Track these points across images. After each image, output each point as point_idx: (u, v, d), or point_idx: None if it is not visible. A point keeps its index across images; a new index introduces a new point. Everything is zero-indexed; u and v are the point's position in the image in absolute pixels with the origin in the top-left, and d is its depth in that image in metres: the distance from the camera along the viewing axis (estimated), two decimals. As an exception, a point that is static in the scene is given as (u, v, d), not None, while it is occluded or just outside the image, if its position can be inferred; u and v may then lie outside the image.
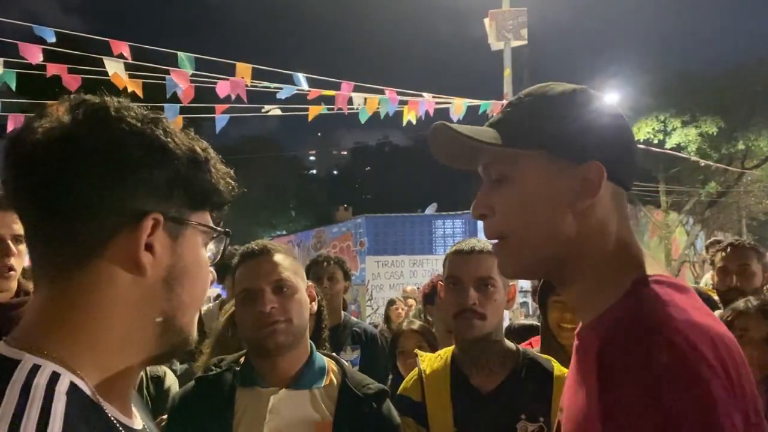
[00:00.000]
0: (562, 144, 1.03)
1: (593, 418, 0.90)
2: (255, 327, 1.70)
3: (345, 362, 1.91)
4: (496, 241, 1.10)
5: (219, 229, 0.95)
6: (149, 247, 0.83)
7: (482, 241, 1.94)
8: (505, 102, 11.09)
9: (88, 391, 0.77)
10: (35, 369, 0.74)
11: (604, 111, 1.07)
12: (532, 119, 1.05)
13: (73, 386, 0.75)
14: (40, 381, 0.72)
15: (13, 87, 6.25)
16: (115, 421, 0.80)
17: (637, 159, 1.13)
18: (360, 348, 3.80)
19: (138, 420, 0.91)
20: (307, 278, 3.89)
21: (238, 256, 1.83)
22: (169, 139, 0.84)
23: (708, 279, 5.08)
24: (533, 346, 3.05)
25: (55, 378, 0.74)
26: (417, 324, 3.29)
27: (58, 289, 0.81)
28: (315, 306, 1.85)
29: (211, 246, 0.96)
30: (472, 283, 1.83)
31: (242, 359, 1.81)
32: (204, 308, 4.52)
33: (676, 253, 21.67)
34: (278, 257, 1.76)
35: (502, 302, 1.87)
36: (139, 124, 0.83)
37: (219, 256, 0.99)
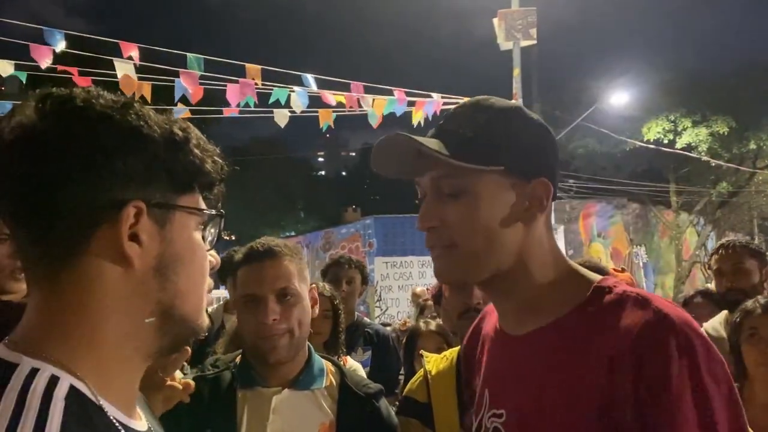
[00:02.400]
0: (518, 162, 1.10)
1: (601, 407, 0.97)
2: (256, 336, 1.67)
3: (341, 363, 1.89)
4: (439, 248, 1.14)
5: (210, 210, 0.91)
6: (135, 237, 0.79)
7: None
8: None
9: (89, 394, 0.76)
10: (33, 373, 0.72)
11: (545, 129, 1.17)
12: (492, 135, 1.10)
13: (72, 389, 0.73)
14: (38, 386, 0.70)
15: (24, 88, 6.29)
16: (117, 423, 0.78)
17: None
18: (371, 349, 3.79)
19: (143, 422, 0.89)
20: (325, 278, 3.90)
21: (242, 255, 1.77)
22: (142, 123, 0.81)
23: None
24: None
25: (53, 382, 0.72)
26: (434, 324, 3.26)
27: (49, 290, 0.79)
28: (317, 309, 1.81)
29: (211, 230, 0.93)
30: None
31: (238, 359, 1.79)
32: (210, 309, 4.53)
33: (686, 254, 21.53)
34: (284, 261, 1.71)
35: None
36: (107, 111, 0.79)
37: (216, 239, 0.94)
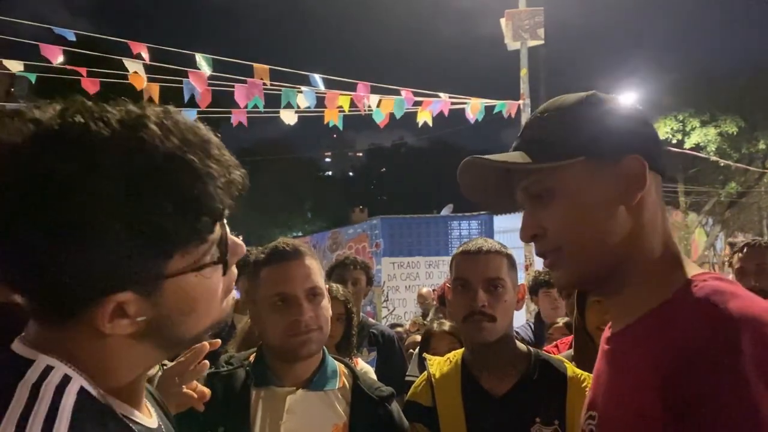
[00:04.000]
0: (598, 146, 1.05)
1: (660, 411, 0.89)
2: (288, 334, 1.68)
3: (353, 365, 1.90)
4: (549, 255, 1.11)
5: (206, 263, 0.82)
6: (121, 312, 0.77)
7: (489, 240, 1.89)
8: (521, 102, 11.06)
9: (96, 394, 0.78)
10: (48, 370, 0.74)
11: (624, 106, 1.11)
12: (563, 130, 1.07)
13: (83, 389, 0.76)
14: (51, 381, 0.73)
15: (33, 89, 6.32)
16: (126, 420, 0.80)
17: (662, 143, 1.15)
18: (377, 350, 3.79)
19: (154, 419, 0.91)
20: (330, 279, 3.92)
21: (265, 255, 1.78)
22: (95, 205, 0.69)
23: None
24: (560, 349, 3.00)
25: (66, 380, 0.74)
26: (448, 325, 3.23)
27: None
28: (330, 309, 1.83)
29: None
30: (480, 285, 1.78)
31: (252, 357, 1.80)
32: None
33: (695, 254, 21.41)
34: (309, 261, 1.74)
35: (511, 303, 1.82)
36: (51, 213, 0.69)
37: (227, 265, 0.87)
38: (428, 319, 5.94)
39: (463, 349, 1.94)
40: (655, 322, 0.99)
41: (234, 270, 0.90)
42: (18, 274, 0.74)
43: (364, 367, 2.98)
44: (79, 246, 0.70)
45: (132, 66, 6.20)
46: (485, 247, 1.83)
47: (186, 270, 0.79)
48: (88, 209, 0.69)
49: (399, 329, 5.97)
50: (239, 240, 0.89)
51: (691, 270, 1.05)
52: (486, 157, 1.08)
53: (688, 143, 18.40)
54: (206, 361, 1.55)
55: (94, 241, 0.70)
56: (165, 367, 2.35)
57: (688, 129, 18.78)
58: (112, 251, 0.71)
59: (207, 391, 1.55)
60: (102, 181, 0.70)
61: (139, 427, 0.83)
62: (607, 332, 1.17)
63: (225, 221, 0.85)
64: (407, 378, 3.37)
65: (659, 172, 1.09)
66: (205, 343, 1.55)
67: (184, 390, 1.51)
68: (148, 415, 0.90)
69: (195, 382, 1.55)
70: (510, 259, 1.87)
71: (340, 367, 1.82)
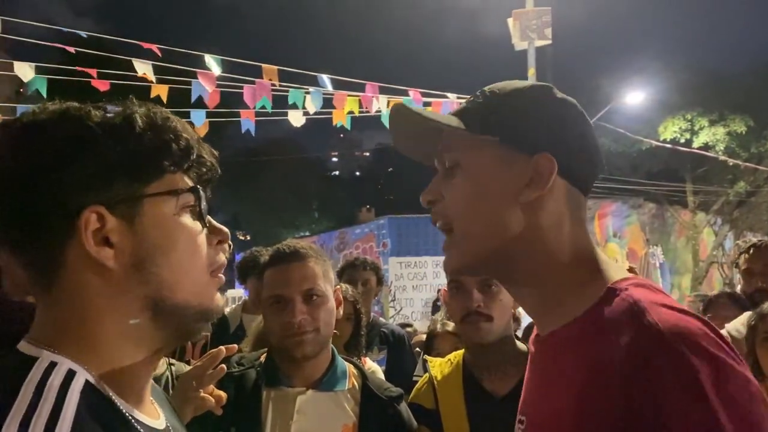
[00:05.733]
0: (513, 133, 1.00)
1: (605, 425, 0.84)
2: (283, 335, 1.71)
3: (362, 365, 1.91)
4: (444, 235, 1.08)
5: (183, 188, 0.87)
6: (105, 240, 0.80)
7: None
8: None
9: (102, 389, 0.78)
10: (52, 366, 0.75)
11: (562, 107, 1.04)
12: (488, 108, 1.03)
13: (88, 384, 0.76)
14: (55, 379, 0.73)
15: (44, 93, 6.36)
16: (130, 418, 0.81)
17: (600, 162, 1.07)
18: (387, 349, 3.80)
19: (161, 420, 0.91)
20: (341, 280, 3.94)
21: (269, 257, 1.82)
22: (79, 126, 0.81)
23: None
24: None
25: (70, 376, 0.75)
26: (451, 325, 3.24)
27: (48, 301, 0.83)
28: (341, 311, 1.84)
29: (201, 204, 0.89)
30: (475, 285, 1.80)
31: (262, 357, 1.82)
32: (227, 310, 4.55)
33: (704, 254, 21.31)
34: (310, 263, 1.75)
35: (508, 302, 1.83)
36: (44, 126, 0.81)
37: (201, 213, 0.90)
38: (439, 318, 5.93)
39: (463, 350, 1.94)
40: (582, 330, 0.94)
41: (220, 231, 0.93)
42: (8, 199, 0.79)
43: (372, 366, 2.99)
44: (65, 160, 0.79)
45: (141, 67, 6.24)
46: None
47: (160, 191, 0.84)
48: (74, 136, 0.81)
49: (409, 329, 5.95)
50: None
51: (613, 274, 0.98)
52: (413, 108, 1.06)
53: (697, 142, 18.30)
54: (223, 366, 1.58)
55: (77, 158, 0.80)
56: (173, 366, 2.37)
57: (696, 128, 18.67)
58: (90, 167, 0.80)
59: (224, 394, 1.57)
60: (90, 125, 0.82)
61: (144, 427, 0.83)
62: (535, 332, 1.11)
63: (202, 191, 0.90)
64: (414, 377, 3.38)
65: (577, 185, 1.03)
66: (222, 348, 1.58)
67: (202, 394, 1.52)
68: (155, 416, 0.90)
69: (212, 386, 1.56)
70: None
71: (350, 368, 1.84)
